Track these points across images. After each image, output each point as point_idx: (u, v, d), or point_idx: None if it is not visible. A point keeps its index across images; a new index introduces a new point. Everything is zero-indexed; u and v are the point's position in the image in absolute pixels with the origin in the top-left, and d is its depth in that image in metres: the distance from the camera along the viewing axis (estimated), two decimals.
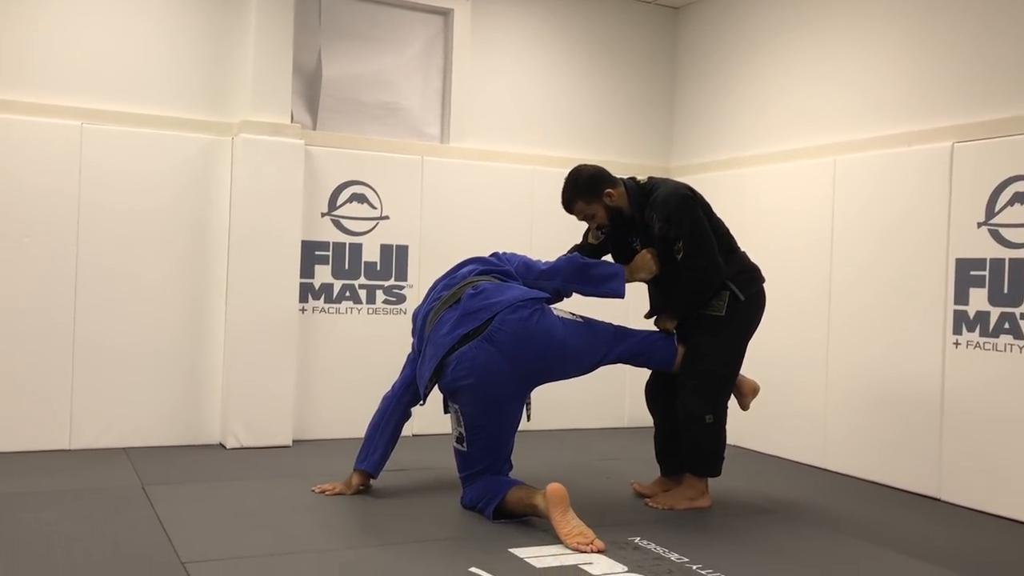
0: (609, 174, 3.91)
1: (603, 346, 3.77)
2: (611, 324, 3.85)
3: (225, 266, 4.97)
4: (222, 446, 4.89)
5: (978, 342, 4.08)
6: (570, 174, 3.92)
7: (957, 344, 4.16)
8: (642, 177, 4.00)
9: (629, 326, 3.94)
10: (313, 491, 3.94)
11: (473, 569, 2.97)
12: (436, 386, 3.65)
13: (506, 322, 3.52)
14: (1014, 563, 3.35)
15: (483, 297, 3.60)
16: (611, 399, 5.79)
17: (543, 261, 3.95)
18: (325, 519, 3.56)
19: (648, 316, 4.04)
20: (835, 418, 4.79)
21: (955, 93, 4.35)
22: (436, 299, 3.77)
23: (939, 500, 4.21)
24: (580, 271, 3.87)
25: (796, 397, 5.00)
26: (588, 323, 3.76)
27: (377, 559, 3.09)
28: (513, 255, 3.98)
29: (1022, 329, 3.90)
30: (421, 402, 3.82)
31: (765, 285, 3.95)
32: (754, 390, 4.02)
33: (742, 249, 3.97)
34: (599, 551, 3.18)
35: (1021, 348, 3.90)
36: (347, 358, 5.21)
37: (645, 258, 3.85)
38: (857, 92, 4.87)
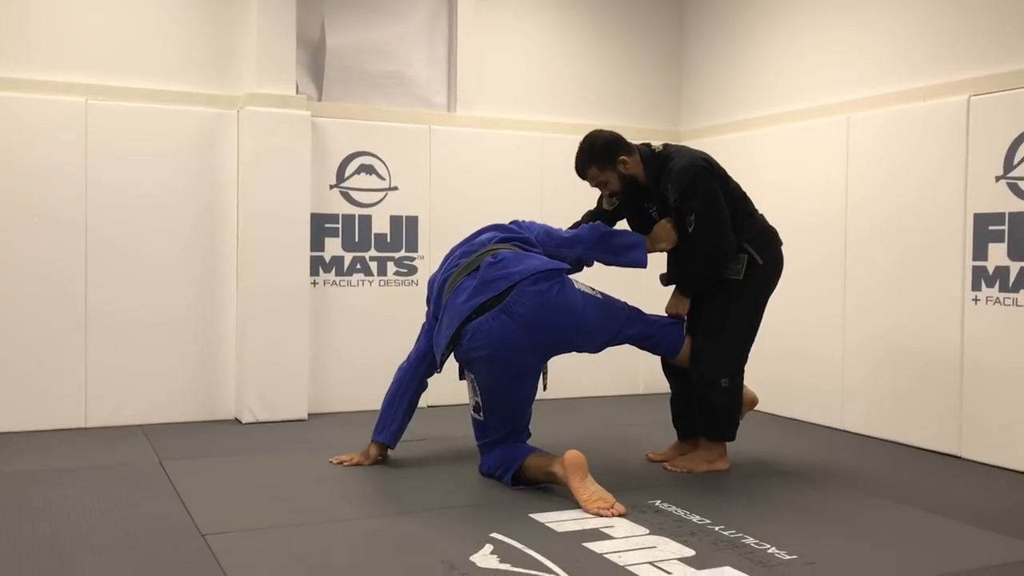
0: (625, 141, 3.85)
1: (617, 325, 3.72)
2: (626, 304, 3.80)
3: (235, 240, 4.94)
4: (237, 421, 4.89)
5: (997, 297, 4.03)
6: (585, 139, 3.86)
7: (976, 300, 4.11)
8: (658, 144, 3.93)
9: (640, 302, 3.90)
10: (331, 462, 3.93)
11: (495, 534, 2.95)
12: (452, 354, 3.63)
13: (525, 294, 3.46)
14: None
15: (502, 266, 3.55)
16: (626, 366, 5.76)
17: (564, 229, 3.91)
18: (344, 489, 3.55)
19: (665, 283, 3.99)
20: (853, 379, 4.75)
21: (970, 45, 4.28)
22: (454, 266, 3.72)
23: (959, 457, 4.18)
24: (602, 240, 3.82)
25: (813, 359, 4.97)
26: (607, 300, 3.71)
27: (399, 527, 3.08)
28: (533, 223, 3.92)
29: None
30: (437, 370, 3.79)
31: (783, 248, 3.90)
32: (752, 402, 3.98)
33: (760, 212, 3.92)
34: (620, 515, 3.16)
35: None
36: (360, 331, 5.19)
37: (665, 228, 3.80)
38: (870, 47, 4.80)
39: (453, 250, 3.83)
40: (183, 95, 4.86)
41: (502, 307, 3.46)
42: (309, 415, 4.97)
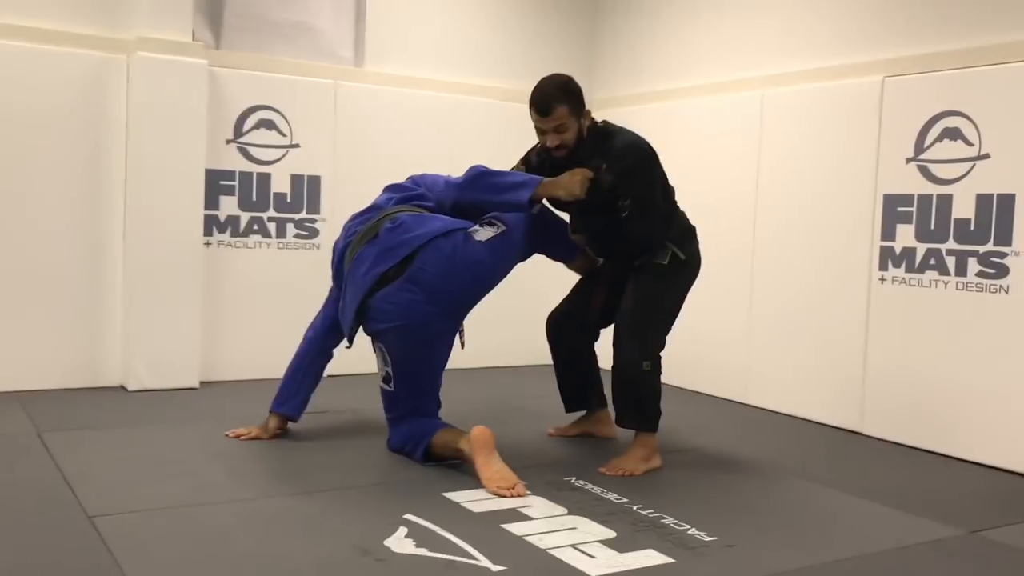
0: None
1: (524, 250, 3.56)
2: (522, 224, 3.49)
3: (123, 196, 4.61)
4: (123, 388, 4.59)
5: (904, 278, 4.09)
6: (557, 76, 3.52)
7: (883, 280, 4.17)
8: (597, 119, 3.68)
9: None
10: (227, 436, 3.71)
11: (408, 516, 2.82)
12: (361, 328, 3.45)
13: (428, 261, 3.29)
14: (933, 494, 3.39)
15: (402, 231, 3.36)
16: None
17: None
18: (243, 466, 3.35)
19: (574, 232, 3.72)
20: (759, 353, 4.78)
21: (886, 26, 4.29)
22: (353, 233, 3.54)
23: (861, 434, 4.25)
24: (480, 178, 3.47)
25: (719, 333, 4.98)
26: (508, 231, 3.43)
27: (304, 508, 2.90)
28: (436, 177, 3.70)
29: (947, 265, 3.92)
30: (348, 345, 3.59)
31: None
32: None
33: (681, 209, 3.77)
34: (520, 496, 3.04)
35: (946, 284, 3.93)
36: (257, 295, 4.93)
37: (574, 177, 3.42)
38: (787, 24, 4.78)
39: (354, 216, 3.62)
40: (67, 36, 4.47)
41: (407, 276, 3.29)
42: (200, 383, 4.70)
